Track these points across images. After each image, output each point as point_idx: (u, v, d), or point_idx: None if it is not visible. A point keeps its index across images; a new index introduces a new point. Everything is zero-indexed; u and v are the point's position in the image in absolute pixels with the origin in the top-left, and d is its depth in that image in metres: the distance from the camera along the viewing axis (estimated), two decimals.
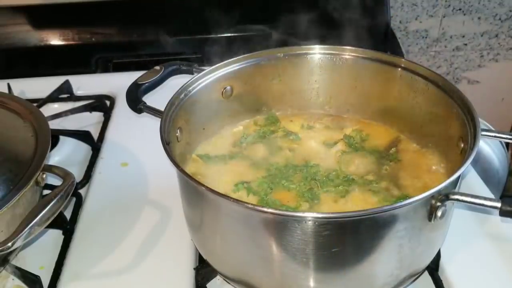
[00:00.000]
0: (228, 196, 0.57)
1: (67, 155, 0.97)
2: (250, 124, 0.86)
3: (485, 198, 0.58)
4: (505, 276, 0.70)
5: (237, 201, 0.56)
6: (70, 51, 1.27)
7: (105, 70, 1.27)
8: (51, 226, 0.71)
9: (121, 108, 1.06)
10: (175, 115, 0.72)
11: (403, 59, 0.79)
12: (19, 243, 0.60)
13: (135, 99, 0.75)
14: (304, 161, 0.78)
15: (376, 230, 0.57)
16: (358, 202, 0.70)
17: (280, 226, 0.57)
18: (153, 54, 1.27)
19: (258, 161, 0.78)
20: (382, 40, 1.28)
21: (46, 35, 1.27)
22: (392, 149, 0.80)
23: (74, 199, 0.85)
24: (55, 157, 0.95)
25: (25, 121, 0.78)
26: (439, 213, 0.58)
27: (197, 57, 1.25)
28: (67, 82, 1.12)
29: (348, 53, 0.82)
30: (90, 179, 0.89)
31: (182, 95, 0.74)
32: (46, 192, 0.79)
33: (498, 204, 0.56)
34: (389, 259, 0.61)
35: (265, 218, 0.57)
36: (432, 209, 0.58)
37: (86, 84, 1.15)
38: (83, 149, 0.97)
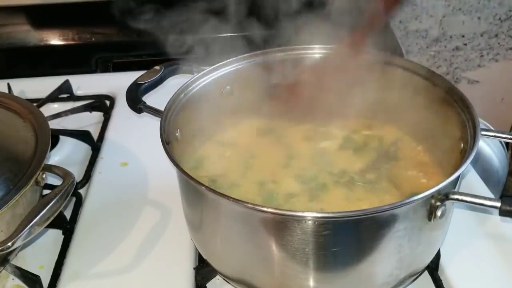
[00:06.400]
0: (228, 196, 0.57)
1: (67, 155, 0.97)
2: (250, 124, 0.86)
3: (484, 198, 0.58)
4: (505, 276, 0.70)
5: (237, 200, 0.56)
6: (70, 51, 1.27)
7: (105, 70, 1.27)
8: (51, 226, 0.71)
9: (121, 108, 1.06)
10: (175, 115, 0.72)
11: (403, 59, 0.79)
12: (19, 243, 0.60)
13: (135, 99, 0.75)
14: (304, 161, 0.78)
15: (376, 229, 0.57)
16: (358, 202, 0.70)
17: (280, 226, 0.57)
18: (153, 54, 1.27)
19: (258, 161, 0.78)
20: (382, 40, 1.28)
21: (46, 35, 1.27)
22: (392, 148, 0.80)
23: (74, 199, 0.85)
24: (55, 157, 0.95)
25: (25, 121, 0.78)
26: (438, 213, 0.58)
27: (197, 57, 1.25)
28: (67, 82, 1.12)
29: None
30: (90, 179, 0.89)
31: (182, 95, 0.74)
32: (46, 192, 0.79)
33: (498, 204, 0.56)
34: (389, 258, 0.61)
35: (265, 217, 0.57)
36: (432, 209, 0.58)
37: (86, 84, 1.15)
38: (83, 149, 0.97)
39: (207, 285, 0.70)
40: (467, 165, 0.58)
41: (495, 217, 0.77)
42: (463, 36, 1.47)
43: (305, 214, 0.55)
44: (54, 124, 0.99)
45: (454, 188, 0.61)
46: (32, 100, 0.95)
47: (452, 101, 0.71)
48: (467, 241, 0.75)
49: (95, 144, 0.97)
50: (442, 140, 0.74)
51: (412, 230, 0.59)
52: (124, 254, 0.75)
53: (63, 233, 0.79)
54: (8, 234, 0.60)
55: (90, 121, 1.06)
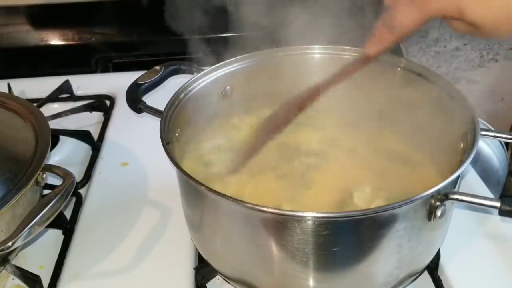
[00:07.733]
0: (228, 196, 0.57)
1: (67, 155, 0.97)
2: (250, 124, 0.86)
3: (484, 198, 0.58)
4: (505, 276, 0.70)
5: (237, 200, 0.56)
6: (70, 51, 1.27)
7: (105, 70, 1.27)
8: (51, 226, 0.71)
9: (121, 108, 1.06)
10: (175, 115, 0.72)
11: (403, 59, 0.79)
12: (19, 242, 0.60)
13: (135, 99, 0.75)
14: (303, 162, 0.78)
15: (375, 229, 0.57)
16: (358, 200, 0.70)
17: (280, 226, 0.57)
18: (153, 54, 1.27)
19: (258, 161, 0.78)
20: None
21: (46, 35, 1.27)
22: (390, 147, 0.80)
23: (74, 199, 0.85)
24: (55, 157, 0.95)
25: (25, 121, 0.78)
26: (438, 213, 0.58)
27: (197, 57, 1.25)
28: (67, 82, 1.12)
29: (348, 53, 0.82)
30: (90, 179, 0.89)
31: (182, 95, 0.74)
32: (46, 192, 0.79)
33: (498, 204, 0.56)
34: (388, 258, 0.61)
35: (265, 217, 0.57)
36: (431, 209, 0.58)
37: (86, 84, 1.15)
38: (83, 149, 0.97)
39: (207, 285, 0.71)
40: (467, 165, 0.58)
41: (495, 217, 0.77)
42: (462, 36, 1.47)
43: (305, 214, 0.55)
44: (54, 124, 0.99)
45: (454, 188, 0.61)
46: (32, 100, 0.95)
47: (452, 101, 0.71)
48: (467, 241, 0.75)
49: (95, 144, 0.97)
50: (442, 140, 0.74)
51: (412, 230, 0.59)
52: (124, 254, 0.75)
53: (63, 233, 0.79)
54: (8, 234, 0.60)
55: (90, 121, 1.06)
